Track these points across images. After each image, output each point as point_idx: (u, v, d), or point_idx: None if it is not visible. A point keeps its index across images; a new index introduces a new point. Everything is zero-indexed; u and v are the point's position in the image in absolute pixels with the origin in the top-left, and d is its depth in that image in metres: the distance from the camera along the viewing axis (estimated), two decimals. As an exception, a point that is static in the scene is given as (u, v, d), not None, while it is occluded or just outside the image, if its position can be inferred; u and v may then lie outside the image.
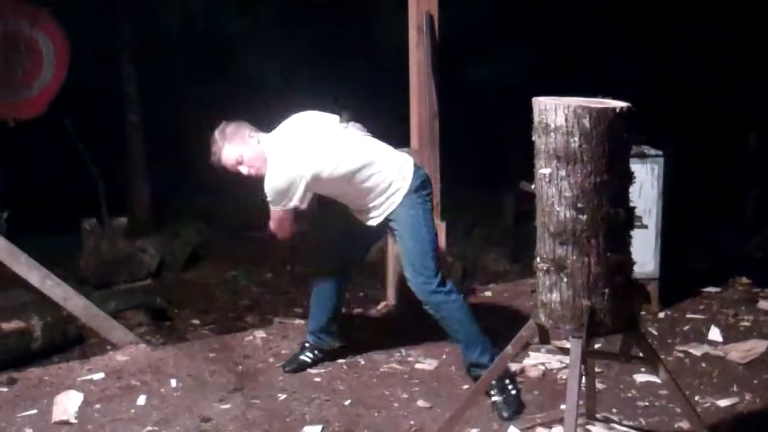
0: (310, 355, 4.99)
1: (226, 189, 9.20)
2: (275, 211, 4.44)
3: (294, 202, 4.37)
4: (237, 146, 4.42)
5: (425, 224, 4.54)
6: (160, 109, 9.20)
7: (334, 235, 4.88)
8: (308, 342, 5.01)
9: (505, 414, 4.34)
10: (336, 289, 4.91)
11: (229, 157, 4.44)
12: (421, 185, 4.58)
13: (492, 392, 4.44)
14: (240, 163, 4.43)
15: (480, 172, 9.12)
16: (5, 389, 4.75)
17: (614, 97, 3.43)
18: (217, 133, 4.47)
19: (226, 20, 8.76)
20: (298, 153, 4.37)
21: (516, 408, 4.40)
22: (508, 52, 8.71)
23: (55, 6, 7.82)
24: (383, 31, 8.13)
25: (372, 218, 4.58)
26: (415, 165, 4.63)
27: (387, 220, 4.56)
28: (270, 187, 4.35)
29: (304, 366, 4.96)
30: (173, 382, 4.80)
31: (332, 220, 4.82)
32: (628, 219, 3.44)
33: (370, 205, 4.54)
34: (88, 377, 4.87)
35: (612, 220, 3.35)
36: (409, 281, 4.57)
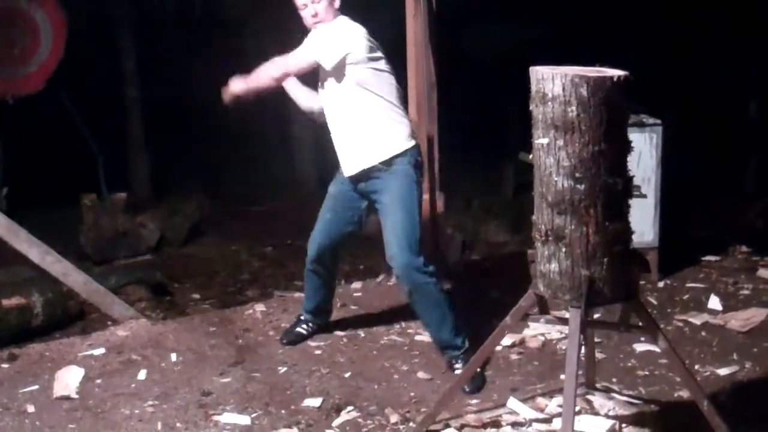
0: (306, 327, 5.01)
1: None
2: (299, 53, 4.44)
3: (327, 56, 4.36)
4: None
5: (416, 202, 4.52)
6: (158, 85, 9.17)
7: (323, 217, 4.80)
8: (303, 316, 5.03)
9: (467, 388, 4.31)
10: (328, 269, 4.90)
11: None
12: (419, 164, 4.58)
13: (456, 364, 4.47)
14: (315, 1, 4.44)
15: (479, 143, 9.10)
16: (6, 365, 4.76)
17: (613, 67, 3.41)
18: None
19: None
20: (361, 31, 4.43)
21: (479, 383, 4.39)
22: (506, 23, 8.67)
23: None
24: (380, 2, 8.07)
25: (355, 162, 4.52)
26: (418, 144, 4.63)
27: (374, 187, 4.52)
28: (317, 34, 4.42)
29: (300, 338, 4.98)
30: (174, 357, 4.81)
31: (325, 200, 4.81)
32: (627, 188, 3.43)
33: (363, 139, 4.48)
34: (89, 352, 4.88)
35: (610, 189, 3.34)
36: (392, 258, 4.47)
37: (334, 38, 4.38)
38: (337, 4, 4.52)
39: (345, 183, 4.67)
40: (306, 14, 4.49)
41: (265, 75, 4.54)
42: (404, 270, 4.46)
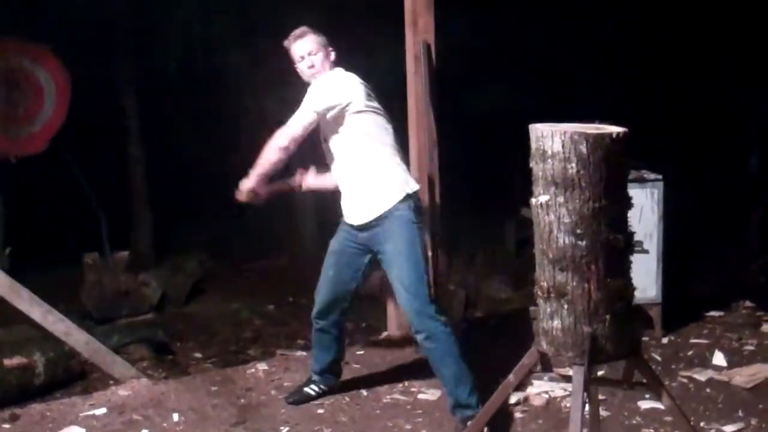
0: (315, 389, 4.95)
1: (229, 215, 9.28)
2: (300, 114, 4.41)
3: (328, 108, 4.38)
4: (320, 45, 4.56)
5: (421, 249, 4.51)
6: (160, 144, 9.23)
7: (328, 272, 4.78)
8: (312, 377, 4.99)
9: None
10: (336, 327, 4.86)
11: (310, 42, 4.56)
12: (419, 210, 4.58)
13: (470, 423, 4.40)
14: (312, 54, 4.53)
15: (481, 199, 9.13)
16: (8, 426, 4.72)
17: (613, 123, 3.43)
18: (307, 27, 4.63)
19: (226, 56, 8.80)
20: (355, 81, 4.50)
21: None
22: (506, 80, 8.74)
23: (57, 43, 7.89)
24: (382, 61, 8.15)
25: (361, 212, 4.52)
26: (417, 189, 4.64)
27: (378, 239, 4.50)
28: (317, 88, 4.44)
29: (308, 399, 4.93)
30: (175, 417, 4.77)
31: (329, 254, 4.79)
32: (628, 244, 3.43)
33: (367, 189, 4.48)
34: (91, 412, 4.85)
35: (611, 245, 3.34)
36: (403, 306, 4.49)
37: (334, 89, 4.43)
38: (332, 56, 4.59)
39: (347, 237, 4.66)
40: (303, 67, 4.56)
41: (272, 150, 4.43)
42: (416, 317, 4.44)
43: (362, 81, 4.53)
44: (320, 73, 4.52)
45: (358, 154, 4.49)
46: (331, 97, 4.40)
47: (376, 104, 4.53)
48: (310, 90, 4.47)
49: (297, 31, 4.60)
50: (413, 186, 4.57)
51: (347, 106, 4.40)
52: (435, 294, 4.61)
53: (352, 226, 4.61)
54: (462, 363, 4.46)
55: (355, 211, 4.57)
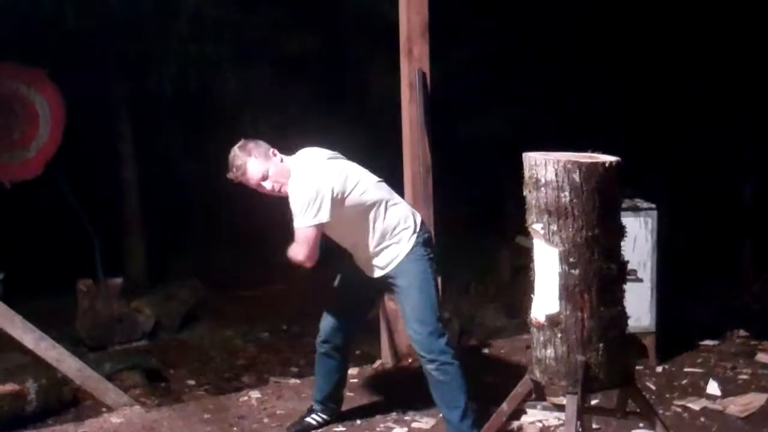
0: (317, 419, 4.90)
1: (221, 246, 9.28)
2: (302, 229, 4.27)
3: (322, 213, 4.25)
4: (262, 162, 4.35)
5: (432, 280, 4.49)
6: (155, 169, 9.24)
7: (336, 299, 4.79)
8: (313, 406, 4.94)
9: None
10: (339, 357, 4.81)
11: (254, 172, 4.34)
12: (428, 240, 4.56)
13: None
14: (265, 178, 4.35)
15: (475, 227, 9.13)
16: (-2, 453, 4.71)
17: (606, 151, 3.45)
18: (238, 149, 4.40)
19: (221, 79, 8.83)
20: (324, 169, 4.36)
21: None
22: (500, 108, 8.77)
23: (52, 67, 7.90)
24: (376, 88, 8.19)
25: (378, 267, 4.50)
26: (422, 220, 4.63)
27: (388, 276, 4.50)
28: (297, 199, 4.26)
29: (309, 429, 4.88)
30: (168, 444, 4.76)
31: (338, 282, 4.77)
32: (621, 273, 3.44)
33: (380, 247, 4.46)
34: (82, 440, 4.83)
35: (604, 274, 3.35)
36: (414, 338, 4.46)
37: (314, 193, 4.26)
38: (277, 157, 4.41)
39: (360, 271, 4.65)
40: (266, 191, 4.43)
41: (305, 259, 4.32)
42: (427, 349, 4.41)
43: (328, 160, 4.46)
44: (285, 184, 4.36)
45: (361, 226, 4.44)
46: (318, 207, 4.25)
47: (353, 173, 4.43)
48: (291, 206, 4.31)
49: (232, 168, 4.40)
50: (418, 221, 4.55)
51: (334, 199, 4.29)
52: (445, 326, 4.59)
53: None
54: (466, 395, 4.43)
55: (373, 269, 4.55)
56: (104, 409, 5.31)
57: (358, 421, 5.00)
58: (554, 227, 3.33)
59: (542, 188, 3.34)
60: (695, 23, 8.44)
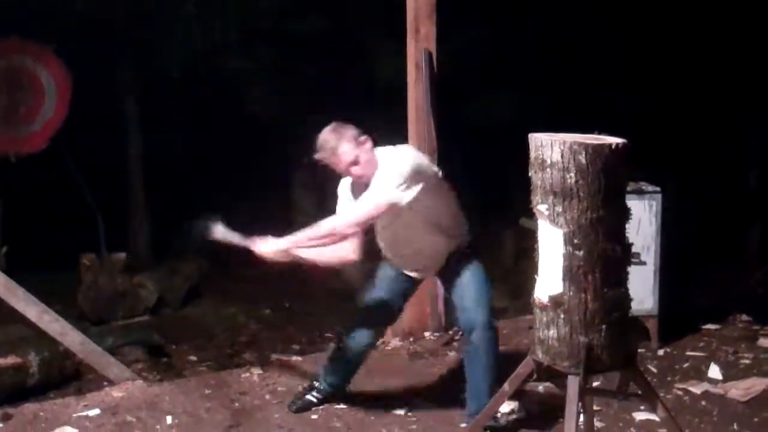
0: (319, 396, 4.91)
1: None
2: (374, 200, 4.23)
3: (408, 193, 4.21)
4: (354, 147, 4.31)
5: (482, 270, 4.60)
6: (160, 146, 9.23)
7: (376, 292, 4.79)
8: (321, 386, 4.92)
9: None
10: (366, 350, 4.85)
11: (347, 156, 4.30)
12: (475, 248, 4.64)
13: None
14: (356, 163, 4.31)
15: (479, 208, 9.11)
16: (0, 425, 4.71)
17: (612, 134, 3.43)
18: (331, 131, 4.35)
19: (228, 59, 8.81)
20: (417, 157, 4.41)
21: None
22: (506, 89, 8.75)
23: (60, 43, 7.90)
24: (383, 69, 8.16)
25: (435, 268, 4.58)
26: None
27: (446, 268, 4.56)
28: (390, 172, 4.22)
29: (310, 406, 4.89)
30: (169, 419, 4.76)
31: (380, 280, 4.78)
32: (625, 255, 3.43)
33: (446, 244, 4.50)
34: (84, 413, 4.84)
35: (609, 256, 3.34)
36: (470, 314, 4.50)
37: (410, 169, 4.24)
38: (368, 144, 4.36)
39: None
40: (352, 175, 4.39)
41: (325, 229, 4.32)
42: (484, 325, 4.47)
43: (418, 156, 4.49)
44: (371, 173, 4.30)
45: (429, 225, 4.44)
46: (406, 187, 4.21)
47: (434, 169, 4.48)
48: (378, 178, 4.27)
49: (323, 148, 4.35)
50: (467, 224, 4.62)
51: (420, 189, 4.27)
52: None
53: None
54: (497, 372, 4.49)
55: (427, 271, 4.63)
56: (106, 383, 5.32)
57: (359, 399, 5.02)
58: (559, 208, 3.32)
59: (548, 169, 3.33)
60: (703, 11, 8.41)
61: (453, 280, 4.56)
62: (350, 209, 4.38)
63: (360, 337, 4.77)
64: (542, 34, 8.68)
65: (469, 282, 4.54)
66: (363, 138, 4.34)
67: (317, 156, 4.37)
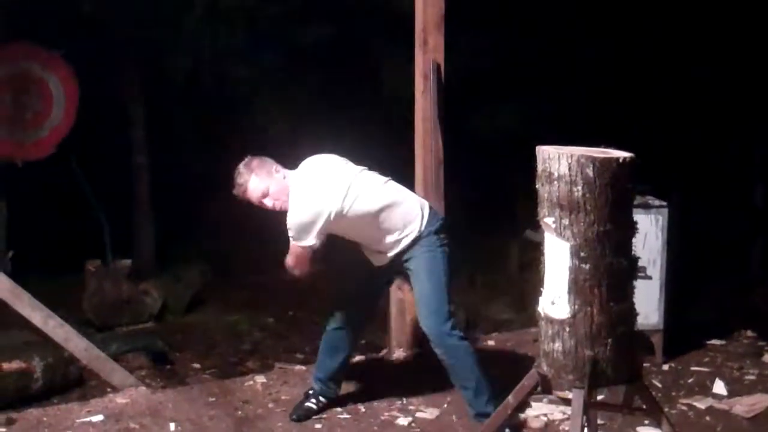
0: (315, 402, 4.94)
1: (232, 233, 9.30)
2: (295, 245, 4.45)
3: (312, 238, 4.38)
4: (263, 179, 4.46)
5: (443, 267, 4.57)
6: (166, 154, 9.24)
7: (350, 284, 4.87)
8: (313, 389, 4.97)
9: None
10: (348, 338, 4.88)
11: (255, 190, 4.47)
12: (441, 228, 4.64)
13: None
14: (266, 195, 4.47)
15: (484, 219, 9.11)
16: (4, 429, 4.72)
17: (618, 147, 3.44)
18: (242, 166, 4.51)
19: (234, 67, 8.83)
20: (322, 190, 4.43)
21: None
22: (513, 101, 8.75)
23: (67, 48, 7.91)
24: (390, 79, 8.17)
25: (388, 257, 4.60)
26: (432, 209, 4.71)
27: (402, 261, 4.58)
28: (293, 222, 4.39)
29: (310, 413, 4.90)
30: (172, 426, 4.76)
31: (350, 268, 4.84)
32: (631, 269, 3.43)
33: (387, 241, 4.56)
34: (87, 419, 4.84)
35: (615, 269, 3.35)
36: (422, 323, 4.58)
37: (309, 219, 4.38)
38: (279, 173, 4.51)
39: (372, 267, 4.73)
40: (267, 208, 4.54)
41: (299, 272, 4.60)
42: (434, 335, 4.53)
43: (329, 169, 4.55)
44: (286, 201, 4.46)
45: (370, 228, 4.54)
46: (311, 231, 4.38)
47: (355, 184, 4.50)
48: (288, 222, 4.43)
49: (235, 184, 4.51)
50: (427, 212, 4.63)
51: (329, 219, 4.38)
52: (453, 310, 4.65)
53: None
54: (479, 372, 4.56)
55: (384, 259, 4.64)
56: (110, 390, 5.32)
57: (362, 409, 5.02)
58: (566, 221, 3.33)
59: (555, 182, 3.34)
60: (709, 20, 8.41)
61: (407, 267, 4.61)
62: (287, 258, 4.56)
63: (341, 333, 4.83)
64: (549, 46, 8.68)
65: (417, 277, 4.58)
66: (274, 168, 4.49)
67: (233, 192, 4.52)
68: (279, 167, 4.53)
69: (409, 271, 4.63)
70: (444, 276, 4.57)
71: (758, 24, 8.14)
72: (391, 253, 4.59)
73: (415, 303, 4.69)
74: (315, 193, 4.42)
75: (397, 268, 4.67)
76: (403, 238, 4.55)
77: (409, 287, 4.93)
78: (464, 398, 4.67)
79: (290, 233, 4.43)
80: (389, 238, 4.55)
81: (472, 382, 4.55)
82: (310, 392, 4.98)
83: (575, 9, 8.50)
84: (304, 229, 4.38)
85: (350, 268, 4.82)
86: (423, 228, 4.56)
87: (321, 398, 4.94)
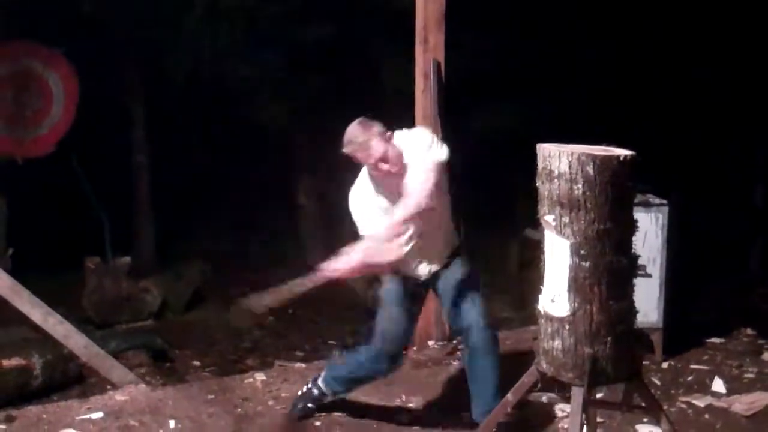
0: (318, 403, 4.88)
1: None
2: (435, 160, 4.28)
3: (444, 147, 4.33)
4: (382, 143, 4.29)
5: (479, 278, 4.65)
6: (166, 151, 9.25)
7: (398, 315, 4.69)
8: (318, 393, 4.87)
9: None
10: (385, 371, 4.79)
11: (376, 151, 4.27)
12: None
13: None
14: (385, 159, 4.28)
15: (484, 218, 9.11)
16: (4, 427, 4.72)
17: (618, 146, 3.44)
18: (360, 126, 4.33)
19: (234, 65, 8.83)
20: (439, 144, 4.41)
21: None
22: (512, 99, 8.75)
23: (68, 48, 7.92)
24: (390, 77, 8.17)
25: (432, 267, 4.53)
26: None
27: (440, 274, 4.56)
28: (424, 138, 4.36)
29: (311, 413, 4.87)
30: (171, 424, 4.77)
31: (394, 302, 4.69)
32: (631, 267, 3.43)
33: (447, 237, 4.56)
34: (87, 416, 4.84)
35: (615, 267, 3.35)
36: (482, 329, 4.50)
37: (433, 137, 4.39)
38: (392, 140, 4.36)
39: (409, 284, 4.61)
40: (378, 169, 4.34)
41: (414, 210, 4.21)
42: (490, 338, 4.52)
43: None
44: (399, 166, 4.29)
45: (440, 208, 4.47)
46: (439, 143, 4.35)
47: None
48: (418, 146, 4.32)
49: (354, 139, 4.30)
50: None
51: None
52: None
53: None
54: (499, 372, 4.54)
55: (436, 262, 4.56)
56: (109, 387, 5.33)
57: (362, 408, 5.01)
58: (566, 219, 3.33)
59: (555, 180, 3.33)
60: (710, 21, 8.41)
61: (449, 283, 4.56)
62: (415, 187, 4.25)
63: (394, 356, 4.69)
64: (549, 45, 8.68)
65: (465, 284, 4.56)
66: (389, 134, 4.35)
67: (346, 150, 4.33)
68: (391, 133, 4.38)
69: (445, 281, 4.56)
70: (479, 280, 4.63)
71: (758, 25, 8.14)
72: (437, 261, 4.52)
73: (454, 302, 4.57)
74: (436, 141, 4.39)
75: (433, 281, 4.60)
76: (451, 239, 4.58)
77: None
78: (479, 397, 4.54)
79: (425, 151, 4.28)
80: (445, 238, 4.54)
81: (498, 380, 4.48)
82: (315, 393, 4.88)
83: (576, 10, 8.50)
84: (432, 138, 4.35)
85: (394, 301, 4.65)
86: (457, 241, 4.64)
87: (325, 401, 4.91)
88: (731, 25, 8.37)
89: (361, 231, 4.38)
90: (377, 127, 4.32)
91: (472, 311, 4.51)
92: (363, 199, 4.45)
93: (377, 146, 4.27)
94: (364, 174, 4.47)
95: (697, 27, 8.50)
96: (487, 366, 4.52)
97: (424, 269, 4.53)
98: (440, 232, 4.52)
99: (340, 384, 4.82)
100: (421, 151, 4.29)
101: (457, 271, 4.56)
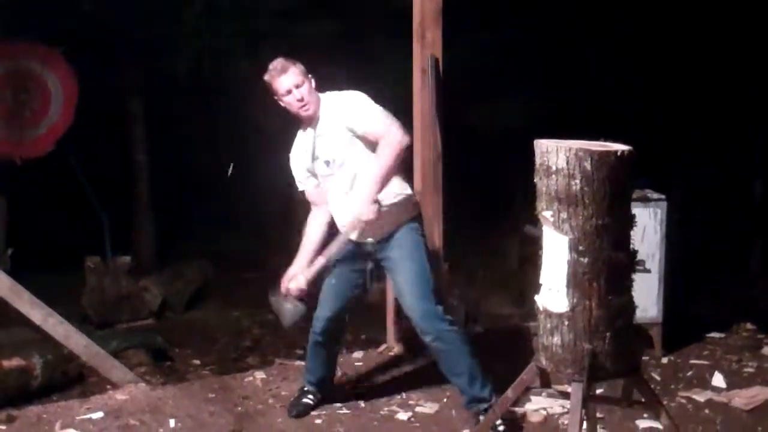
0: (312, 398, 4.94)
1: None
2: (389, 116, 4.37)
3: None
4: (300, 76, 4.43)
5: (427, 254, 4.55)
6: (165, 151, 9.25)
7: (329, 290, 4.75)
8: (307, 387, 4.98)
9: None
10: (334, 343, 4.89)
11: (292, 78, 4.40)
12: (422, 217, 4.65)
13: (482, 416, 4.40)
14: (298, 87, 4.40)
15: (484, 214, 9.12)
16: (4, 427, 4.72)
17: (617, 141, 3.44)
18: (283, 57, 4.49)
19: (233, 63, 8.83)
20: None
21: None
22: (512, 96, 8.75)
23: (67, 47, 7.92)
24: (388, 73, 8.15)
25: (383, 229, 4.47)
26: None
27: (382, 246, 4.50)
28: (365, 102, 4.42)
29: (308, 409, 4.91)
30: (172, 423, 4.77)
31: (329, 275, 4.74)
32: (630, 262, 3.43)
33: (396, 204, 4.46)
34: (87, 416, 4.84)
35: (613, 263, 3.34)
36: (411, 310, 4.48)
37: (377, 106, 4.41)
38: (312, 82, 4.50)
39: (349, 257, 4.61)
40: (290, 100, 4.44)
41: (397, 155, 4.31)
42: (424, 319, 4.45)
43: None
44: (311, 106, 4.43)
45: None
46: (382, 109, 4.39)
47: None
48: (364, 110, 4.40)
49: (276, 65, 4.45)
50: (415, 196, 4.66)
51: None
52: (440, 297, 4.60)
53: (359, 245, 4.57)
54: (472, 359, 4.50)
55: (372, 233, 4.51)
56: (109, 386, 5.33)
57: (362, 404, 5.01)
58: (564, 215, 3.32)
59: (553, 175, 3.33)
60: (710, 19, 8.41)
61: (386, 256, 4.52)
62: (381, 129, 4.34)
63: (326, 327, 4.77)
64: (547, 40, 8.69)
65: (399, 263, 4.50)
66: (310, 76, 4.49)
67: (266, 77, 4.46)
68: (311, 76, 4.51)
69: (388, 261, 4.54)
70: (428, 263, 4.52)
71: (758, 23, 8.14)
72: (385, 224, 4.43)
73: (397, 292, 4.61)
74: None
75: (377, 254, 4.56)
76: (399, 201, 4.45)
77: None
78: (458, 386, 4.60)
79: (375, 114, 4.36)
80: (390, 193, 4.42)
81: (465, 368, 4.49)
82: (306, 389, 4.96)
83: (577, 7, 8.50)
84: (384, 113, 4.36)
85: (330, 273, 4.71)
86: (416, 206, 4.60)
87: (317, 395, 4.93)
88: (731, 23, 8.37)
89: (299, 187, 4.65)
90: (300, 65, 4.47)
91: (417, 303, 4.46)
92: (294, 157, 4.65)
93: (293, 75, 4.41)
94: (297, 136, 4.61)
95: (697, 24, 8.50)
96: (446, 357, 4.51)
97: (361, 237, 4.53)
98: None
99: (311, 376, 4.92)
100: (363, 101, 4.42)
101: (401, 250, 4.49)
